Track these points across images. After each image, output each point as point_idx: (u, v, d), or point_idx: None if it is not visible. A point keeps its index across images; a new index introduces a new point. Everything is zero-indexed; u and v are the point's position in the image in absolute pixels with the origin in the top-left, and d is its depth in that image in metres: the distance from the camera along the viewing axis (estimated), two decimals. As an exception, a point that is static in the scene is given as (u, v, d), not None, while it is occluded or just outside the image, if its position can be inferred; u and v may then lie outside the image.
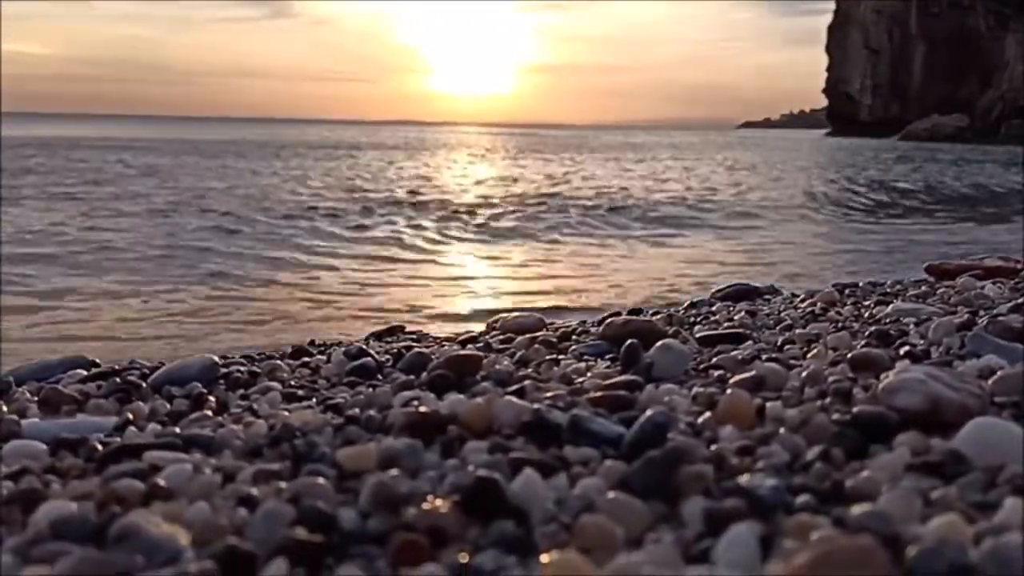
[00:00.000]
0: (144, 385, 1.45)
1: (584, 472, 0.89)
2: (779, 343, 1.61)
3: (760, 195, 15.59)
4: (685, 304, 2.41)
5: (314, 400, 1.34)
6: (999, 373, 1.15)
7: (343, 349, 1.71)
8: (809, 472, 0.87)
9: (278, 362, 1.69)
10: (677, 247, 9.40)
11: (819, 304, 2.12)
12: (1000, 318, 1.57)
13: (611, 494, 0.81)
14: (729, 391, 1.13)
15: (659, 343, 1.43)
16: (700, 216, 12.28)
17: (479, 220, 11.09)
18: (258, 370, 1.57)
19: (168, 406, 1.33)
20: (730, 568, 0.68)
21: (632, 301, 5.24)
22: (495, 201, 13.36)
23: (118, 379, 1.50)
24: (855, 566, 0.63)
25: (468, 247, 9.14)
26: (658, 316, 2.10)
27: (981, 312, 1.77)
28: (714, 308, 2.26)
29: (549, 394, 1.21)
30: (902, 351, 1.41)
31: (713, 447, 0.94)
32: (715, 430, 1.00)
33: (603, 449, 0.95)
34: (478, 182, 17.73)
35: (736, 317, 1.99)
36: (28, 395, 1.43)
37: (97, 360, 1.71)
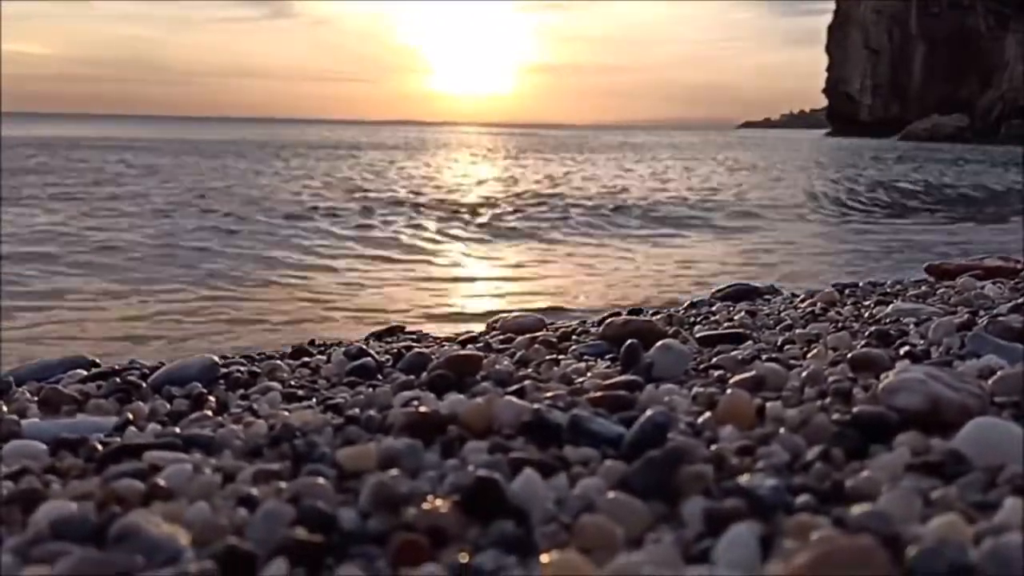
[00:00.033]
0: (144, 385, 1.45)
1: (584, 472, 0.89)
2: (779, 343, 1.61)
3: (760, 195, 15.59)
4: (685, 304, 2.41)
5: (314, 400, 1.34)
6: (999, 373, 1.14)
7: (343, 349, 1.71)
8: (809, 472, 0.87)
9: (278, 362, 1.69)
10: (677, 247, 9.40)
11: (819, 304, 2.12)
12: (1000, 318, 1.57)
13: (611, 494, 0.81)
14: (729, 391, 1.13)
15: (659, 343, 1.42)
16: (700, 216, 12.28)
17: (479, 220, 11.09)
18: (258, 370, 1.57)
19: (168, 406, 1.33)
20: (730, 568, 0.68)
21: (632, 301, 5.25)
22: (495, 201, 13.36)
23: (118, 379, 1.49)
24: (855, 566, 0.63)
25: (468, 247, 9.14)
26: (658, 316, 2.10)
27: (981, 312, 1.77)
28: (714, 308, 2.26)
29: (549, 394, 1.21)
30: (902, 351, 1.41)
31: (713, 447, 0.94)
32: (715, 430, 1.00)
33: (603, 449, 0.95)
34: (478, 182, 17.73)
35: (736, 317, 1.99)
36: (28, 395, 1.43)
37: (97, 360, 1.71)
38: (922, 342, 1.51)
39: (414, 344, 1.96)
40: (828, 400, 1.11)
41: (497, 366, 1.47)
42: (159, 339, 4.69)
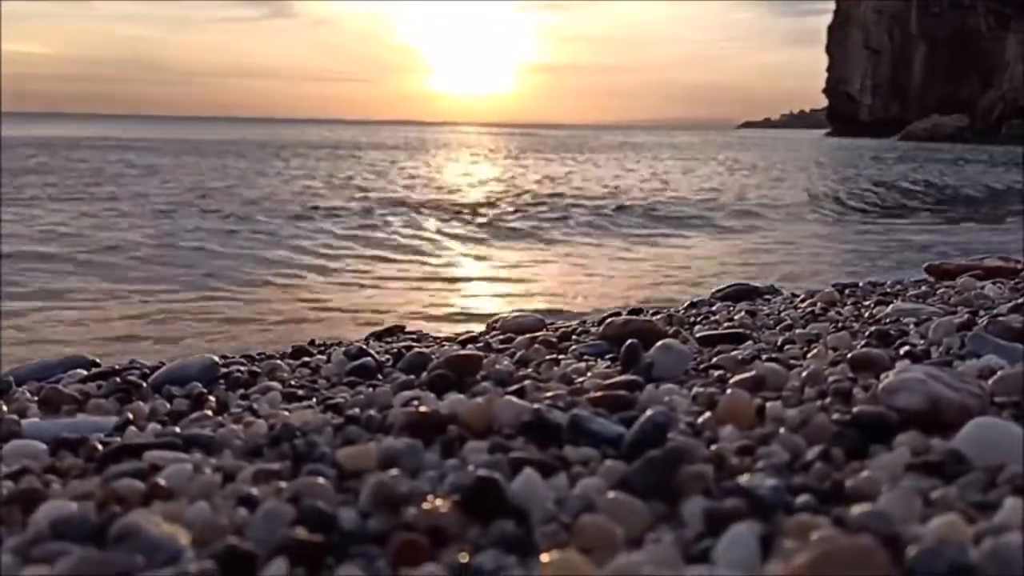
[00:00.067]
0: (144, 385, 1.45)
1: (584, 472, 0.89)
2: (779, 343, 1.61)
3: (760, 195, 15.59)
4: (685, 304, 2.41)
5: (314, 400, 1.34)
6: (999, 373, 1.14)
7: (343, 349, 1.71)
8: (809, 472, 0.87)
9: (278, 362, 1.69)
10: (677, 247, 9.40)
11: (819, 304, 2.12)
12: (1000, 318, 1.56)
13: (611, 494, 0.81)
14: (729, 391, 1.13)
15: (659, 343, 1.42)
16: (700, 216, 12.28)
17: (479, 220, 11.09)
18: (258, 370, 1.57)
19: (168, 406, 1.33)
20: (730, 568, 0.68)
21: (632, 301, 5.25)
22: (495, 201, 13.36)
23: (118, 379, 1.49)
24: (855, 566, 0.63)
25: (468, 247, 9.14)
26: (658, 316, 2.09)
27: (981, 312, 1.77)
28: (714, 308, 2.26)
29: (549, 394, 1.21)
30: (902, 351, 1.41)
31: (713, 447, 0.94)
32: (715, 430, 1.00)
33: (603, 449, 0.95)
34: (479, 182, 17.73)
35: (736, 317, 1.99)
36: (28, 395, 1.43)
37: (97, 360, 1.71)
38: (922, 342, 1.51)
39: (414, 344, 1.96)
40: (828, 400, 1.11)
41: (497, 366, 1.47)
42: (159, 339, 4.69)
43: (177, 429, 1.15)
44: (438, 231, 10.11)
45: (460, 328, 2.66)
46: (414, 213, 11.73)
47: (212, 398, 1.36)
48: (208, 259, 7.51)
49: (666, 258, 8.48)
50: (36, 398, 1.38)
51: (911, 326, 1.69)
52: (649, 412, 0.99)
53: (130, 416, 1.24)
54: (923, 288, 2.40)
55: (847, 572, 0.63)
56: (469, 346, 1.81)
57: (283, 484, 0.87)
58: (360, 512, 0.79)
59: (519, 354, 1.62)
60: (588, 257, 8.49)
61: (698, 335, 1.71)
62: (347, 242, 9.00)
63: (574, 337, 1.80)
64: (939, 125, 63.57)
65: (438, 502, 0.79)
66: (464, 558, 0.71)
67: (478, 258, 8.48)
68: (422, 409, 1.09)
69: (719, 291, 2.59)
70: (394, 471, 0.89)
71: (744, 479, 0.83)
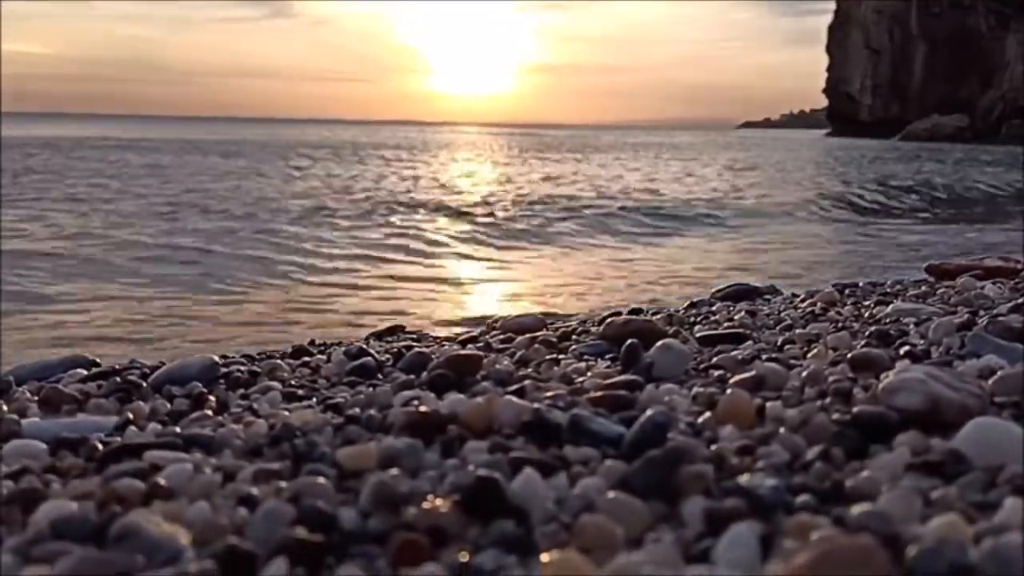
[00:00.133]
0: (144, 385, 1.45)
1: (584, 472, 0.89)
2: (779, 343, 1.61)
3: (760, 195, 15.59)
4: (685, 304, 2.41)
5: (314, 400, 1.34)
6: (999, 373, 1.15)
7: (343, 349, 1.71)
8: (809, 472, 0.87)
9: (278, 362, 1.69)
10: (677, 247, 9.40)
11: (819, 304, 2.12)
12: (1000, 318, 1.57)
13: (611, 494, 0.81)
14: (729, 391, 1.13)
15: (659, 343, 1.43)
16: (700, 216, 12.28)
17: (480, 220, 11.09)
18: (258, 370, 1.57)
19: (168, 406, 1.33)
20: (730, 568, 0.68)
21: (632, 301, 5.24)
22: (496, 201, 13.36)
23: (118, 379, 1.50)
24: (855, 566, 0.63)
25: (469, 247, 9.13)
26: (658, 316, 2.10)
27: (981, 312, 1.77)
28: (714, 308, 2.26)
29: (549, 394, 1.21)
30: (902, 351, 1.41)
31: (713, 447, 0.94)
32: (715, 430, 1.00)
33: (603, 449, 0.95)
34: (479, 183, 17.73)
35: (736, 317, 1.99)
36: (28, 395, 1.43)
37: (97, 360, 1.71)
38: (922, 342, 1.51)
39: (414, 344, 1.96)
40: (828, 400, 1.11)
41: (497, 366, 1.47)
42: (159, 339, 4.69)
43: (177, 429, 1.15)
44: (438, 231, 10.11)
45: (460, 328, 2.66)
46: (414, 213, 11.73)
47: (212, 398, 1.37)
48: (208, 259, 7.51)
49: (666, 258, 8.49)
50: (36, 398, 1.39)
51: (911, 326, 1.69)
52: (649, 412, 0.99)
53: (130, 416, 1.25)
54: (923, 288, 2.40)
55: (847, 572, 0.63)
56: (469, 346, 1.81)
57: (283, 484, 0.87)
58: (360, 512, 0.79)
59: (519, 354, 1.62)
60: (588, 257, 8.49)
61: (698, 335, 1.72)
62: (347, 242, 8.99)
63: (574, 337, 1.80)
64: (939, 125, 63.58)
65: (438, 502, 0.79)
66: (464, 558, 0.71)
67: (478, 258, 8.47)
68: (422, 409, 1.09)
69: (719, 291, 2.59)
70: (394, 471, 0.89)
71: (744, 479, 0.83)
